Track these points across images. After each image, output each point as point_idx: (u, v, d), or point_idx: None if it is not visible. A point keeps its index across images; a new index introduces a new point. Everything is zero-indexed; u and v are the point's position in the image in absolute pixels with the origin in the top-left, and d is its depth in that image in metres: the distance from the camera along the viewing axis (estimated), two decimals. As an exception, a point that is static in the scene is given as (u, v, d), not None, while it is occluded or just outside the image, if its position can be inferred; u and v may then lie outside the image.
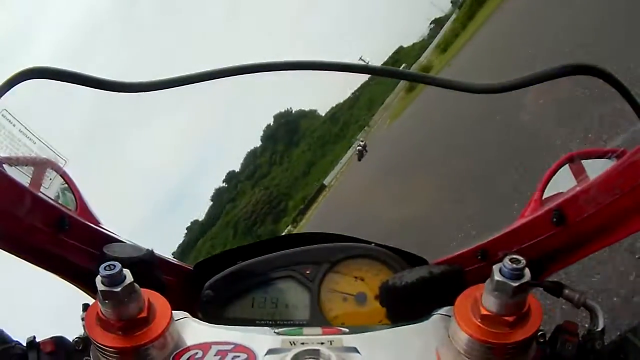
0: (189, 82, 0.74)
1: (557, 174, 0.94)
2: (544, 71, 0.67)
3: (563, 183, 0.89)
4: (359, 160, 40.28)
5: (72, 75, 0.68)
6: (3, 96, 0.64)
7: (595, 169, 0.81)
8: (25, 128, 0.74)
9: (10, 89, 0.64)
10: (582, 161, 0.91)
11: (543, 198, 0.93)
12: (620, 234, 0.68)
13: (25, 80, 0.65)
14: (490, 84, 0.71)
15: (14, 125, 0.72)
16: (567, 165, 0.93)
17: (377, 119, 60.57)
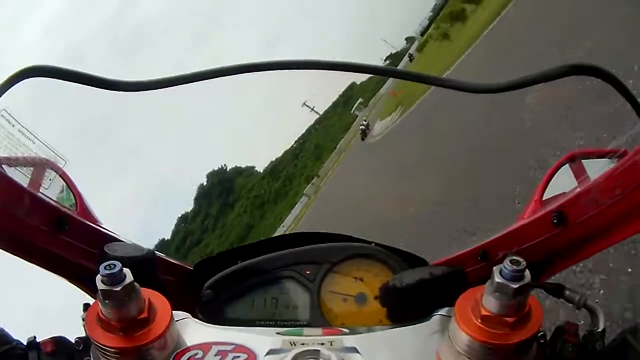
0: (188, 80, 0.73)
1: (557, 174, 0.94)
2: (544, 71, 0.66)
3: (564, 183, 0.89)
4: (362, 140, 39.58)
5: (71, 73, 0.68)
6: (3, 95, 0.64)
7: (596, 169, 0.81)
8: (25, 128, 0.74)
9: (9, 88, 0.64)
10: (583, 161, 0.91)
11: (544, 198, 0.93)
12: (620, 235, 0.68)
13: (24, 79, 0.65)
14: (490, 84, 0.71)
15: (13, 125, 0.72)
16: (568, 165, 0.93)
17: (330, 165, 53.09)
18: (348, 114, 70.53)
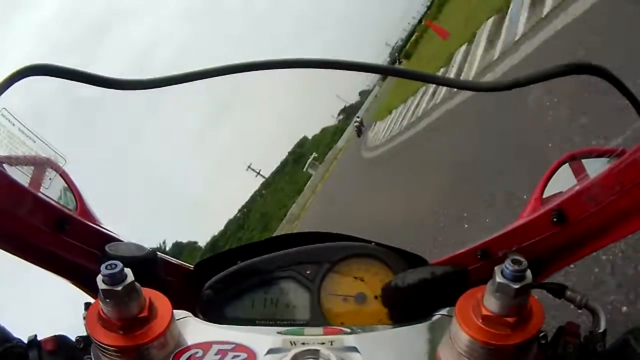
0: (188, 80, 0.74)
1: (557, 173, 0.95)
2: (545, 70, 0.66)
3: (563, 182, 0.89)
4: (359, 136, 39.10)
5: (72, 72, 0.68)
6: (3, 94, 0.64)
7: (595, 168, 0.81)
8: (25, 127, 0.74)
9: (9, 86, 0.64)
10: (582, 160, 0.91)
11: (543, 197, 0.93)
12: (620, 233, 0.68)
13: (24, 77, 0.65)
14: (491, 82, 0.71)
15: (13, 125, 0.72)
16: (567, 164, 0.93)
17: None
18: (300, 173, 62.70)
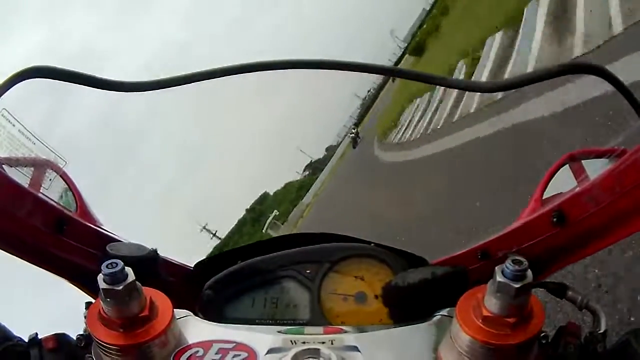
0: (189, 81, 0.74)
1: (557, 173, 0.95)
2: (546, 69, 0.67)
3: (563, 183, 0.89)
4: (354, 147, 39.24)
5: (72, 74, 0.68)
6: (3, 96, 0.64)
7: (596, 168, 0.81)
8: (25, 128, 0.74)
9: (10, 88, 0.64)
10: (583, 161, 0.91)
11: (543, 198, 0.93)
12: (620, 234, 0.68)
13: (25, 79, 0.65)
14: (491, 82, 0.72)
15: (13, 126, 0.72)
16: (567, 165, 0.93)
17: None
18: (259, 234, 54.35)
